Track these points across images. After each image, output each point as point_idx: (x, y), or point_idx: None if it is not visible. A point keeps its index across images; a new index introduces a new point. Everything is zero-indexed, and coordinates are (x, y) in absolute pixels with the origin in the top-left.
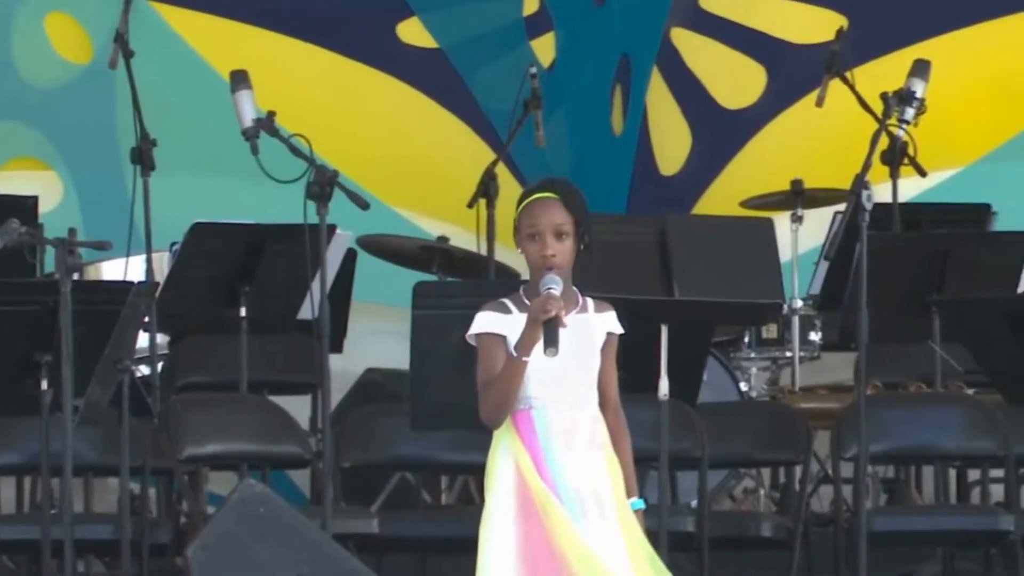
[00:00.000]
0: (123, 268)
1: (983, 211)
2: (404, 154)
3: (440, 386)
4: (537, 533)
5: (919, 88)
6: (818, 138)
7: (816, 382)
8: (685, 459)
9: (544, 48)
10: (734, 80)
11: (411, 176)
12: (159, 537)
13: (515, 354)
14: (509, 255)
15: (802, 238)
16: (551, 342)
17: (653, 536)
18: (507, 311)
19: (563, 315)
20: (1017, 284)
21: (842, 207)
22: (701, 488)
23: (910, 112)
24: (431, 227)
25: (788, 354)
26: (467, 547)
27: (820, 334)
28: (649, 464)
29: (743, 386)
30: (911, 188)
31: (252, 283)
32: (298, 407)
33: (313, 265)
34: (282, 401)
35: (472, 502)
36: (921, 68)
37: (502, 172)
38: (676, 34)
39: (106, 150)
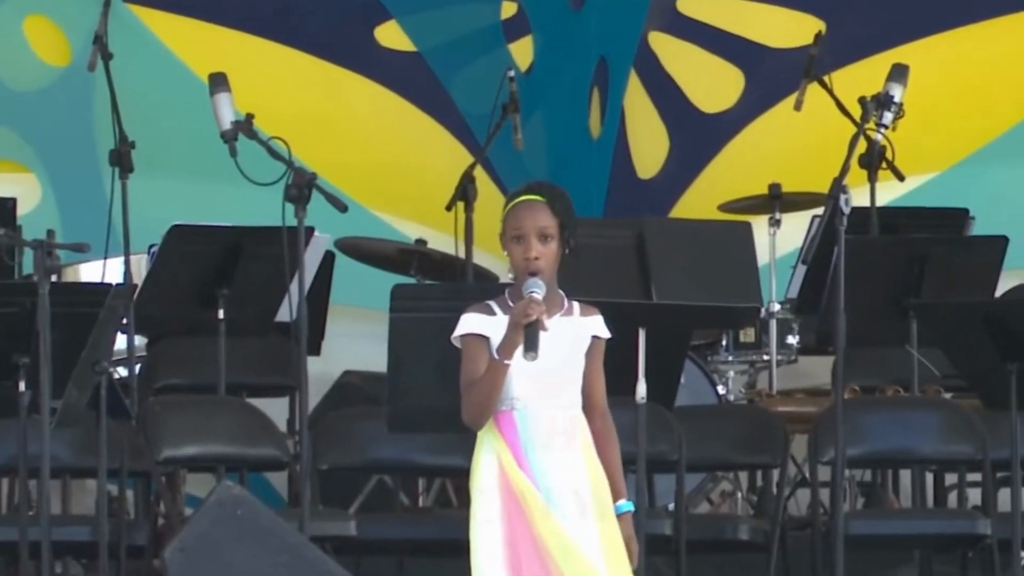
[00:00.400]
0: (101, 270)
1: (961, 215)
2: (382, 157)
3: (418, 389)
4: (521, 528)
5: (897, 92)
6: (796, 142)
7: (793, 386)
8: (662, 462)
9: (522, 51)
10: (712, 84)
11: (389, 179)
12: (136, 539)
13: (496, 356)
14: (487, 258)
15: (780, 242)
16: (531, 346)
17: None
18: (491, 313)
19: (544, 319)
20: (995, 288)
21: (820, 211)
22: (678, 491)
23: (888, 116)
24: (409, 230)
25: (766, 357)
26: (445, 550)
27: (798, 338)
28: (627, 467)
29: (721, 389)
30: (889, 192)
31: (230, 285)
32: (276, 409)
33: (291, 267)
34: (260, 403)
35: (450, 505)
36: (899, 72)
37: (480, 175)
38: (654, 38)
39: (85, 152)
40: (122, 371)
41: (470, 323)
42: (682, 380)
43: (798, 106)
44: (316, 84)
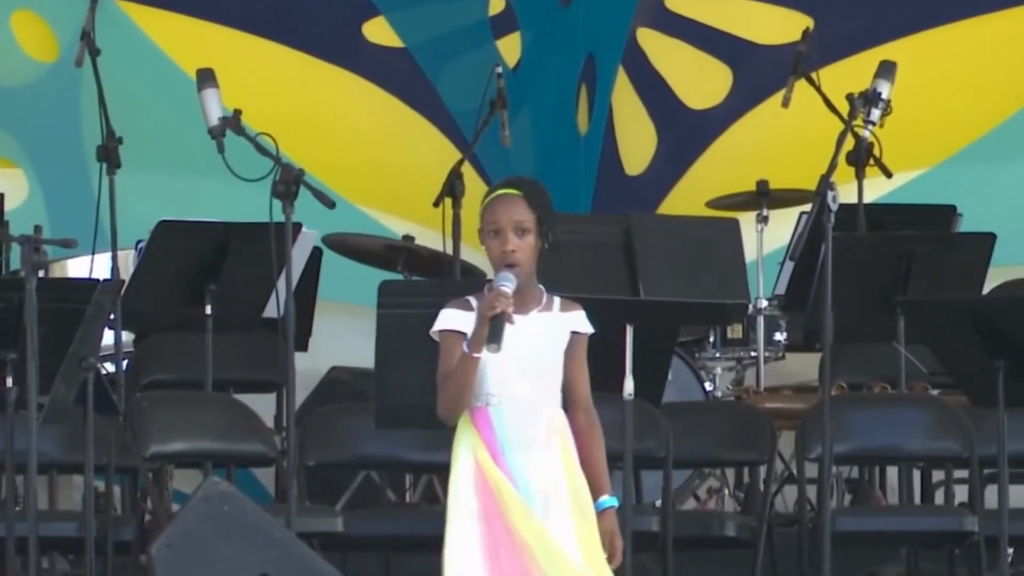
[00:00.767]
0: (88, 266)
1: (948, 212)
2: (370, 153)
3: (405, 385)
4: (498, 524)
5: (885, 89)
6: (784, 139)
7: (781, 382)
8: (649, 458)
9: (510, 48)
10: (700, 80)
11: (377, 175)
12: (123, 535)
13: (466, 350)
14: (474, 255)
15: (767, 238)
16: (493, 338)
17: None
18: (469, 309)
19: (511, 312)
20: (982, 285)
21: (807, 208)
22: (665, 488)
23: (876, 113)
24: (397, 226)
25: (753, 354)
26: (432, 545)
27: (785, 334)
28: (613, 464)
29: (708, 386)
30: (877, 189)
31: (218, 281)
32: (263, 405)
33: (279, 263)
34: (247, 399)
35: (437, 501)
36: (887, 69)
37: (468, 171)
38: (642, 34)
39: (72, 148)
40: (109, 367)
41: (447, 319)
42: (669, 376)
43: (786, 103)
44: (304, 80)
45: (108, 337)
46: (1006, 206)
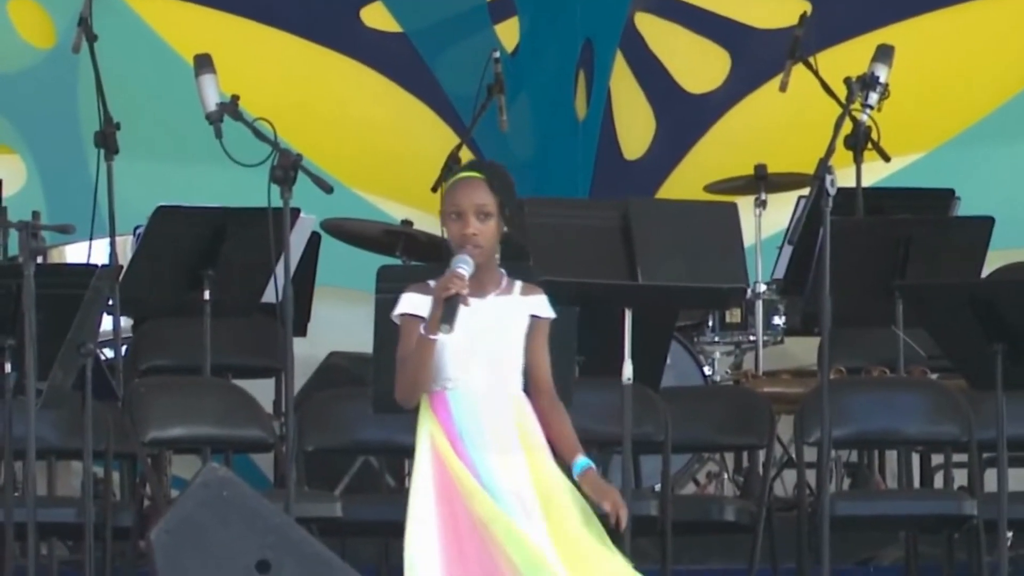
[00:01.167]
0: (87, 251)
1: (946, 196)
2: (368, 138)
3: None
4: (459, 511)
5: (883, 73)
6: (782, 123)
7: (779, 366)
8: (648, 443)
9: (508, 33)
10: (698, 65)
11: (375, 160)
12: (122, 520)
13: (423, 332)
14: None
15: (766, 222)
16: (447, 319)
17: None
18: (429, 292)
19: (465, 294)
20: (980, 269)
21: (806, 192)
22: (664, 472)
23: (874, 97)
24: (395, 211)
25: (752, 338)
26: None
27: (784, 318)
28: (612, 448)
29: (707, 370)
30: (875, 173)
31: (216, 267)
32: (262, 391)
33: (277, 249)
34: (246, 385)
35: None
36: (884, 53)
37: (466, 156)
38: (640, 19)
39: (69, 134)
40: (108, 352)
41: (406, 303)
42: (668, 361)
43: (783, 87)
44: (301, 65)
45: (106, 323)
46: (1004, 190)
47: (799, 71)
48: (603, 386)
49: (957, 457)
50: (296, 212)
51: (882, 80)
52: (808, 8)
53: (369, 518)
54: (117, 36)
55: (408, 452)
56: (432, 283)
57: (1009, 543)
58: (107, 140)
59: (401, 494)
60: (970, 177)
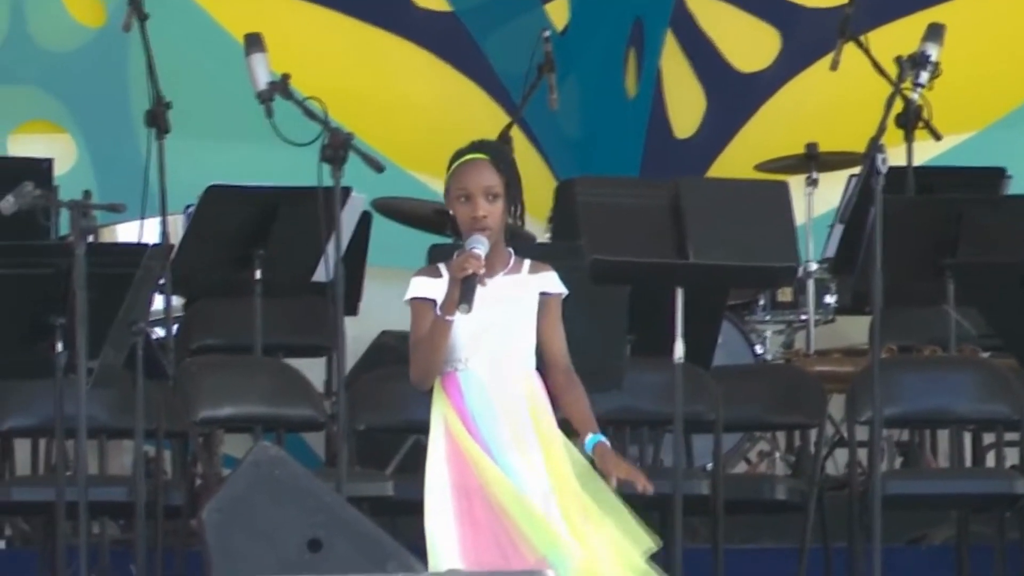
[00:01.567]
0: (138, 230)
1: (997, 175)
2: (418, 117)
3: None
4: (472, 486)
5: (933, 52)
6: (832, 102)
7: (831, 345)
8: (700, 422)
9: (558, 12)
10: (748, 43)
11: (426, 139)
12: (173, 499)
13: (439, 314)
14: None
15: (817, 201)
16: (464, 299)
17: (668, 499)
18: (438, 275)
19: (482, 274)
20: None
21: (857, 170)
22: (716, 451)
23: (925, 76)
24: None
25: (803, 317)
26: None
27: (835, 297)
28: (664, 427)
29: (758, 349)
30: (926, 152)
31: (267, 246)
32: (313, 370)
33: (328, 228)
34: (297, 364)
35: None
36: (935, 32)
37: (516, 135)
38: None
39: (120, 113)
40: (159, 331)
41: (417, 286)
42: (719, 340)
43: (834, 66)
44: (352, 45)
45: (158, 302)
46: None
47: (850, 50)
48: (655, 366)
49: (1009, 436)
50: (347, 191)
51: (933, 59)
52: None
53: (420, 497)
54: (167, 15)
55: None
56: (440, 266)
57: None
58: (158, 119)
59: None
60: (1021, 156)
